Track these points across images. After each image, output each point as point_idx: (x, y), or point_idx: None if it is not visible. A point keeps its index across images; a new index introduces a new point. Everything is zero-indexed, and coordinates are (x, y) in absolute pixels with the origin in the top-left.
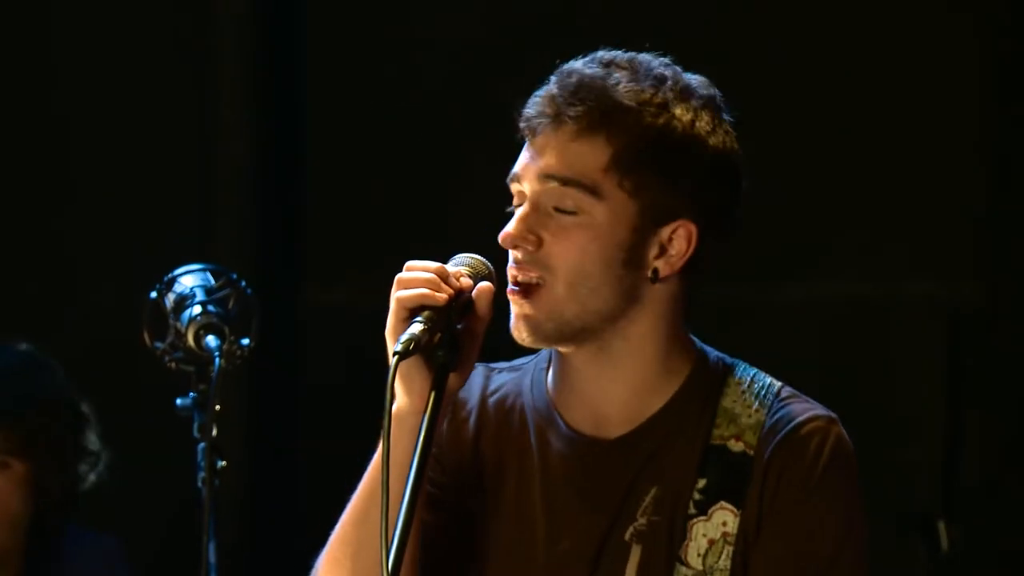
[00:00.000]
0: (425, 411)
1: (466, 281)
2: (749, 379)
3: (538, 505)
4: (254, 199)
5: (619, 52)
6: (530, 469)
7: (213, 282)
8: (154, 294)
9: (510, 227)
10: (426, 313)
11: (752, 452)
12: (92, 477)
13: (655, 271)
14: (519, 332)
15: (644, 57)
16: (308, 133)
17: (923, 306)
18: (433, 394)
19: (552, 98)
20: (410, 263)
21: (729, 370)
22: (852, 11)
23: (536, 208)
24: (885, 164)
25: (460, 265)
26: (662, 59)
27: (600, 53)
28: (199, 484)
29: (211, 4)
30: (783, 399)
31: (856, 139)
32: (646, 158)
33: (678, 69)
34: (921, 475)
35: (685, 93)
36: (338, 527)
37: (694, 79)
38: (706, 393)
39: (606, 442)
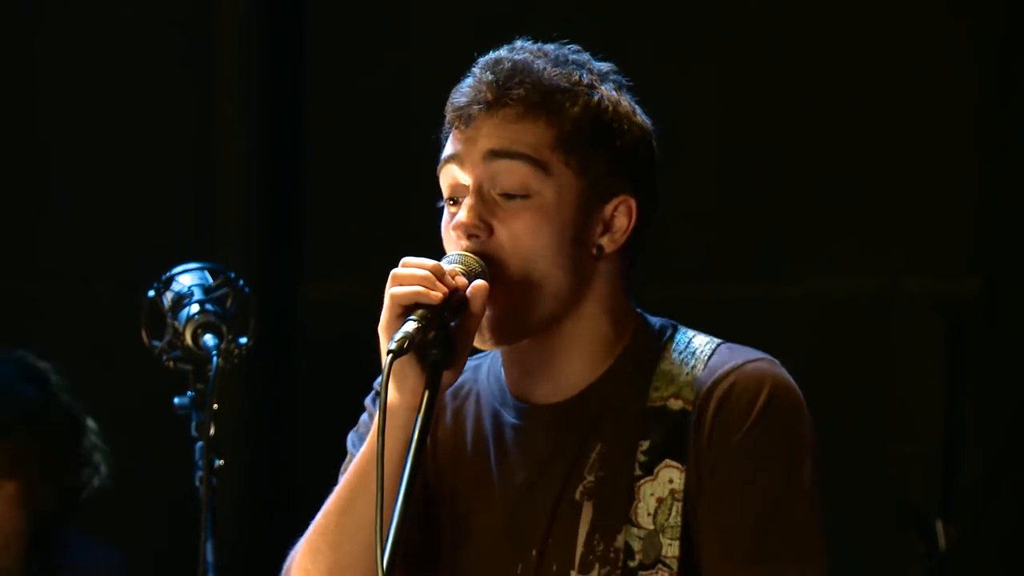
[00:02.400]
0: (419, 409)
1: (460, 279)
2: (687, 339)
3: (494, 483)
4: (252, 198)
5: (529, 43)
6: (484, 450)
7: (211, 281)
8: (152, 293)
9: (462, 216)
10: (420, 311)
11: (690, 407)
12: (96, 482)
13: (599, 248)
14: (481, 336)
15: (551, 46)
16: (307, 132)
17: (922, 302)
18: (427, 392)
19: (490, 84)
20: (405, 259)
21: (670, 335)
22: (851, 12)
23: (481, 196)
24: (883, 160)
25: (454, 263)
26: (569, 47)
27: (515, 44)
28: (197, 483)
29: (212, 4)
30: (719, 352)
31: (855, 136)
32: (588, 136)
33: (587, 55)
34: (919, 472)
35: (603, 76)
36: (319, 517)
37: (603, 64)
38: (646, 357)
39: (553, 406)
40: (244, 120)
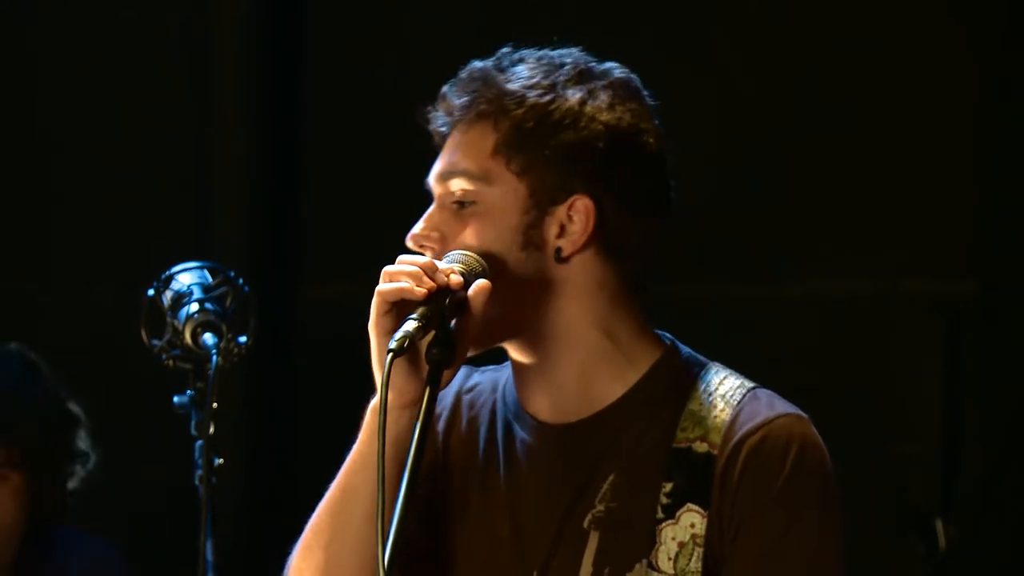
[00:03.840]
0: (420, 408)
1: (455, 278)
2: (719, 380)
3: (502, 496)
4: (252, 197)
5: (532, 50)
6: (495, 462)
7: (210, 280)
8: (151, 292)
9: (415, 228)
10: (420, 310)
11: (716, 452)
12: (82, 473)
13: (558, 250)
14: None
15: (556, 51)
16: (306, 131)
17: (921, 302)
18: (428, 390)
19: (443, 96)
20: (401, 257)
21: (700, 372)
22: (851, 11)
23: (441, 207)
24: (883, 160)
25: (455, 261)
26: (575, 52)
27: (506, 50)
28: (196, 482)
29: (212, 4)
30: (749, 399)
31: (855, 136)
32: (530, 138)
33: (588, 58)
34: (919, 473)
35: (584, 76)
36: (314, 516)
37: (607, 64)
38: (674, 391)
39: (563, 427)
40: (244, 120)
